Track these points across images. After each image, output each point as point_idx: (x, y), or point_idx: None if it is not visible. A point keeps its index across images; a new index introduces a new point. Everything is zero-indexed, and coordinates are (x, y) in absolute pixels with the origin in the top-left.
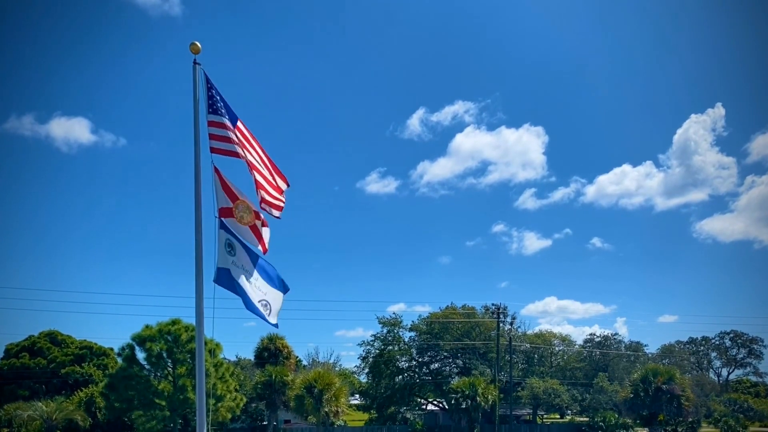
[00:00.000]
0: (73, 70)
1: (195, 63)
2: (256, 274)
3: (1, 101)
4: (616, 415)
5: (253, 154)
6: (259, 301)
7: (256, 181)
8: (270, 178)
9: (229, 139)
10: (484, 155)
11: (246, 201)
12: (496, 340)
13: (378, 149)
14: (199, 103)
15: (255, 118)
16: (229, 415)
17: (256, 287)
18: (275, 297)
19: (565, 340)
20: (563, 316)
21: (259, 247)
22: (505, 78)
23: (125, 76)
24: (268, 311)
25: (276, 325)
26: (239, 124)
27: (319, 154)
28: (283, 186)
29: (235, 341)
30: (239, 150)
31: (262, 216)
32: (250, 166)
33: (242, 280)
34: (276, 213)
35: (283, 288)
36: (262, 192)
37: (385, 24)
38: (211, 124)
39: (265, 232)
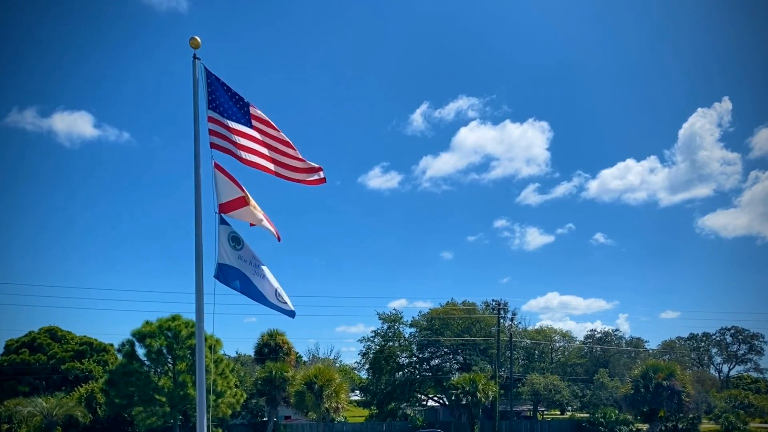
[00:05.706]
0: (77, 63)
1: (195, 58)
2: (263, 266)
3: (2, 95)
4: (617, 411)
5: (263, 148)
6: (276, 291)
7: (270, 170)
8: (287, 152)
9: (226, 138)
10: (488, 150)
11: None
12: (496, 336)
13: (381, 144)
14: (198, 98)
15: None
16: (230, 411)
17: (269, 278)
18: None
19: (566, 336)
20: (565, 312)
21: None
22: (509, 73)
23: (129, 71)
24: (284, 301)
25: (293, 313)
26: (251, 112)
27: (321, 148)
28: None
29: (235, 337)
30: (235, 151)
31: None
32: (254, 165)
33: (253, 274)
34: (314, 176)
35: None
36: (287, 172)
37: (389, 19)
38: (211, 120)
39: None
